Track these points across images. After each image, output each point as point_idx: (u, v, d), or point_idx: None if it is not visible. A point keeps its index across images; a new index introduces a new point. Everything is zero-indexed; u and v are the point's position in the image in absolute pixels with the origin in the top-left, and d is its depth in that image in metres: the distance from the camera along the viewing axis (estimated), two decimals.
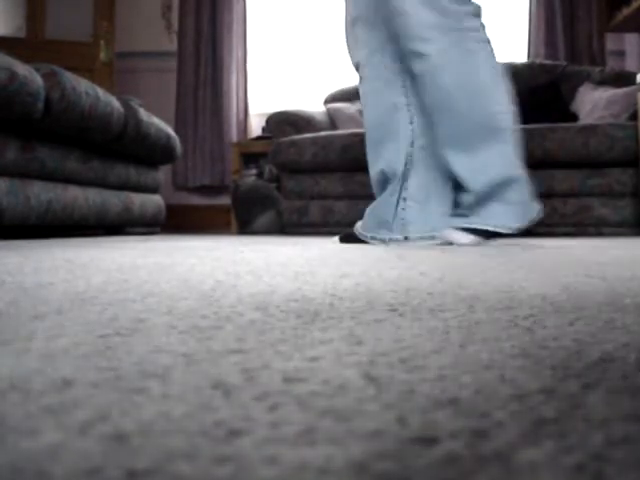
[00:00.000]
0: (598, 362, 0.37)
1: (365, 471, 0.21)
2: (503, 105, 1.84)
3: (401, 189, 1.96)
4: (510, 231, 1.85)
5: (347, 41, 2.07)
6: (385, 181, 2.00)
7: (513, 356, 0.38)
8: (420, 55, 1.83)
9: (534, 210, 1.88)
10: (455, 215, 1.93)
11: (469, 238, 1.87)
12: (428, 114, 1.94)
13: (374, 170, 2.03)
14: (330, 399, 0.30)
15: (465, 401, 0.29)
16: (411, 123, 1.95)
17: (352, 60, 2.08)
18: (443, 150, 1.90)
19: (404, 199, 1.96)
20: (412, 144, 1.95)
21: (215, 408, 0.28)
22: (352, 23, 2.02)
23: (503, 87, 1.86)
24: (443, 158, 1.91)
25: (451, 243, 1.93)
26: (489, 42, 1.86)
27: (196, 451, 0.23)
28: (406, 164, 1.95)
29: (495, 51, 1.87)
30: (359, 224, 2.11)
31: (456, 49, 1.80)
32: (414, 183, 1.96)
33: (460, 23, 1.81)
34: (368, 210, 2.07)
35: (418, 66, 1.85)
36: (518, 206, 1.84)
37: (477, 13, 1.86)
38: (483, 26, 1.87)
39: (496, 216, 1.84)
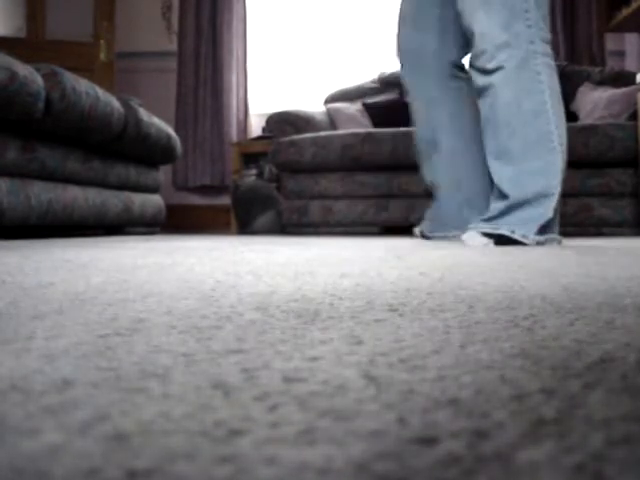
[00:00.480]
0: (598, 362, 0.37)
1: (365, 471, 0.21)
2: (557, 127, 1.94)
3: (457, 193, 2.21)
4: (529, 242, 1.91)
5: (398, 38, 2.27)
6: (438, 188, 2.26)
7: (513, 356, 0.38)
8: (487, 71, 1.96)
9: (556, 236, 1.98)
10: (482, 220, 2.01)
11: (482, 241, 1.93)
12: (468, 123, 2.16)
13: (427, 178, 2.29)
14: (330, 399, 0.30)
15: (465, 401, 0.29)
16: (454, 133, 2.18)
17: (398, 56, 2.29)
18: (489, 159, 2.02)
19: (464, 200, 2.20)
20: (458, 154, 2.18)
21: (215, 408, 0.28)
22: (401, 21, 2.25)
23: (561, 111, 1.97)
24: (487, 166, 2.05)
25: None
26: (555, 69, 1.98)
27: (196, 451, 0.23)
28: (455, 171, 2.20)
29: (557, 79, 1.99)
30: (422, 227, 2.36)
31: (523, 68, 1.92)
32: (469, 187, 2.19)
33: (531, 45, 1.92)
34: (429, 213, 2.33)
35: (482, 80, 1.98)
36: (543, 220, 1.93)
37: (548, 41, 1.97)
38: (552, 54, 1.99)
39: (521, 225, 1.92)
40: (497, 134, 1.97)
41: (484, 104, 2.00)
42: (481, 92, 2.00)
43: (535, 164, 1.92)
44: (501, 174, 1.97)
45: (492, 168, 2.00)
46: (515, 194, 1.93)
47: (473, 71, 2.02)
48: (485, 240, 1.92)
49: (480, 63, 1.97)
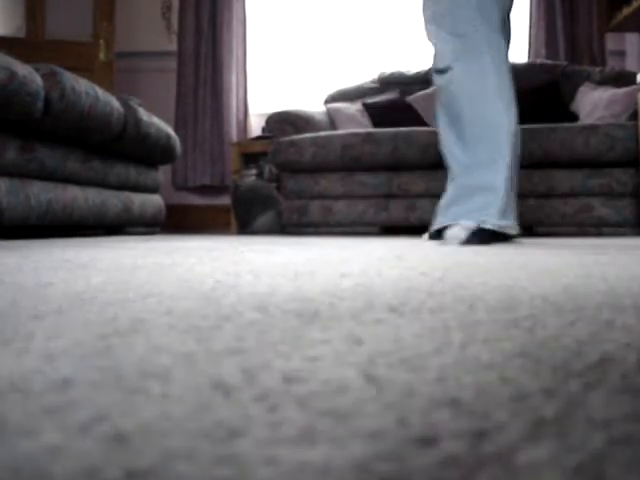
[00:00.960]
0: (598, 362, 0.37)
1: (365, 471, 0.21)
2: (509, 121, 2.06)
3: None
4: (490, 227, 1.98)
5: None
6: None
7: (513, 356, 0.38)
8: (440, 71, 2.15)
9: (514, 220, 2.06)
10: (441, 210, 2.11)
11: (461, 232, 1.98)
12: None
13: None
14: (330, 399, 0.30)
15: (466, 401, 0.29)
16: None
17: None
18: (444, 145, 2.16)
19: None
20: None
21: (215, 408, 0.28)
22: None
23: (511, 102, 2.07)
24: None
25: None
26: (506, 69, 2.09)
27: (196, 451, 0.23)
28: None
29: (509, 71, 2.11)
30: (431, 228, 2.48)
31: (472, 64, 2.07)
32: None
33: (479, 46, 2.06)
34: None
35: (437, 80, 2.17)
36: (500, 203, 2.00)
37: (497, 42, 2.08)
38: (502, 52, 2.10)
39: (480, 210, 2.00)
40: (452, 124, 2.11)
41: (439, 101, 2.17)
42: (439, 90, 2.18)
43: (486, 149, 2.03)
44: (453, 158, 2.10)
45: (447, 153, 2.13)
46: (464, 179, 2.05)
47: (433, 73, 2.21)
48: (463, 233, 1.96)
49: (434, 65, 2.17)
